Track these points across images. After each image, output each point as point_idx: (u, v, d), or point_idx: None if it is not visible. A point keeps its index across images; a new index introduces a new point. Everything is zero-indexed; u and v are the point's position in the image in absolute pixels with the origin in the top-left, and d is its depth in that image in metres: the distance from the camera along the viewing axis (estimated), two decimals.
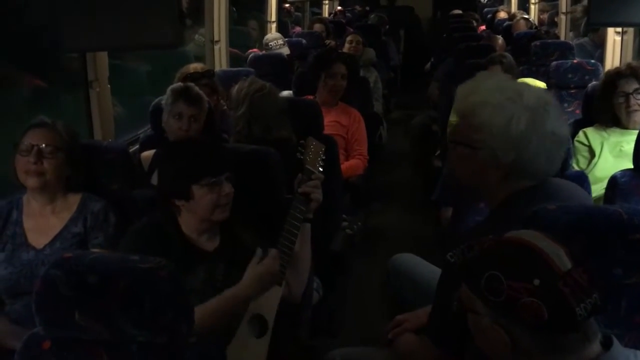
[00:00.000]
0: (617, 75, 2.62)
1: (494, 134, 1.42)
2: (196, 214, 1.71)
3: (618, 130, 2.61)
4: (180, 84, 2.62)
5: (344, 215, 2.99)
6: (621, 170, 2.27)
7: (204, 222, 1.73)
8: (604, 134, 2.61)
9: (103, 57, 2.58)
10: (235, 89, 2.59)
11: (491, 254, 1.07)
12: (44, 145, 1.90)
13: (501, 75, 1.59)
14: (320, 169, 1.83)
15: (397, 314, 1.74)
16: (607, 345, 1.07)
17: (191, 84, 2.58)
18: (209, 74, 3.05)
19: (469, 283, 1.09)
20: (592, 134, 2.65)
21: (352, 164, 3.31)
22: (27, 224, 1.97)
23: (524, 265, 1.03)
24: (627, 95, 2.55)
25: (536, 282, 1.01)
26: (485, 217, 1.57)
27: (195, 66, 3.13)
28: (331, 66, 3.37)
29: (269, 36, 5.06)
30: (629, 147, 2.47)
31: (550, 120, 1.43)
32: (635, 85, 2.54)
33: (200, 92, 2.53)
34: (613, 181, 2.25)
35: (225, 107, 3.10)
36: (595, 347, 1.05)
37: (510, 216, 1.38)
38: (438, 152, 4.07)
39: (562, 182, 1.55)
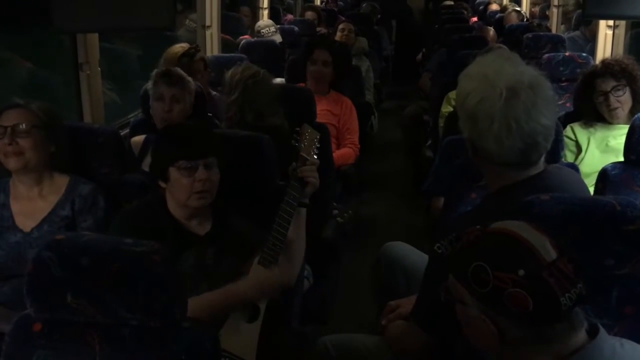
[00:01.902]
0: (593, 74, 2.59)
1: (459, 106, 1.41)
2: (175, 197, 1.72)
3: (604, 125, 2.59)
4: (162, 68, 2.60)
5: (335, 204, 2.98)
6: (612, 163, 2.28)
7: (185, 208, 1.72)
8: (591, 129, 2.61)
9: (94, 39, 2.54)
10: (228, 74, 2.56)
11: (477, 245, 1.08)
12: (16, 124, 1.86)
13: (491, 56, 1.47)
14: (315, 157, 1.82)
15: (387, 301, 1.74)
16: (593, 334, 1.07)
17: (174, 68, 2.56)
18: (198, 48, 3.14)
19: (456, 274, 1.09)
20: (578, 129, 2.65)
21: (344, 153, 3.30)
22: (15, 207, 1.94)
23: (510, 256, 1.04)
24: (606, 94, 2.52)
25: (521, 272, 1.02)
26: (477, 204, 1.57)
27: (182, 46, 3.12)
28: (312, 52, 3.31)
29: (261, 23, 5.02)
30: (616, 142, 2.48)
31: (518, 108, 1.32)
32: (612, 83, 2.51)
33: (183, 73, 2.50)
34: (603, 173, 2.25)
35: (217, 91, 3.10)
36: (581, 336, 1.06)
37: (501, 206, 1.37)
38: (429, 142, 4.07)
39: (563, 171, 1.53)
